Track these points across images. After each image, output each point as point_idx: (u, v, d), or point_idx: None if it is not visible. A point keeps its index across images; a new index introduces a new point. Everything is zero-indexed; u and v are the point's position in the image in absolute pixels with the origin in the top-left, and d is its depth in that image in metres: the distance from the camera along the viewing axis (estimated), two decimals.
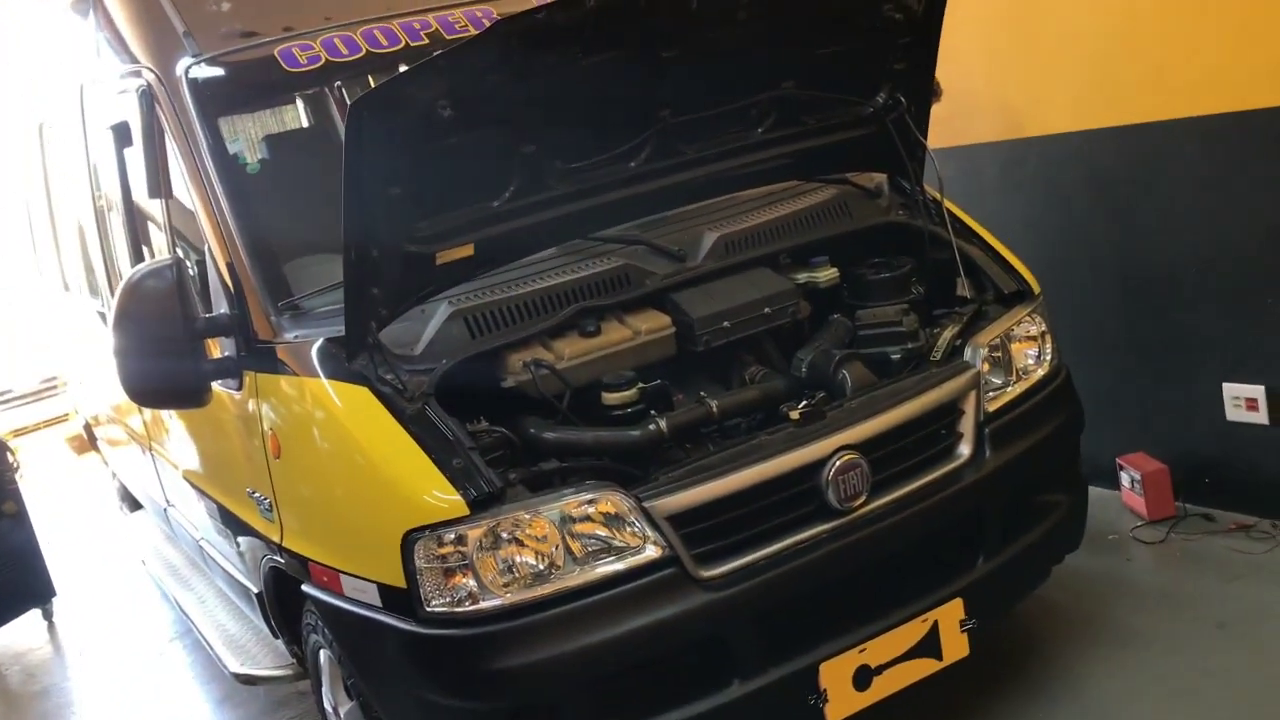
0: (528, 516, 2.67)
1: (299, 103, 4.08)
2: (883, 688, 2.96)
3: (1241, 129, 3.92)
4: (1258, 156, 3.91)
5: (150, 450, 4.77)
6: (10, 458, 5.88)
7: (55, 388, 10.58)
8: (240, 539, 3.68)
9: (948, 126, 3.65)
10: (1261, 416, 4.09)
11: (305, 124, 4.12)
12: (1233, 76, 3.90)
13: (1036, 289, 3.49)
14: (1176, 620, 3.69)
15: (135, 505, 6.25)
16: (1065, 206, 4.61)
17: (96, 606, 6.17)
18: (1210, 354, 4.22)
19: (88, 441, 7.30)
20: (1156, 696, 3.33)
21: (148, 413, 4.61)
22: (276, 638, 3.73)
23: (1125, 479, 4.46)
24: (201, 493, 4.03)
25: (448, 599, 2.66)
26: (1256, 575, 3.86)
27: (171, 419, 4.24)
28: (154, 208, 3.77)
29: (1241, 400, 4.13)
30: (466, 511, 2.62)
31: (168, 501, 4.82)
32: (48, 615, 6.03)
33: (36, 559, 5.88)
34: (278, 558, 3.28)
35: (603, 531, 2.72)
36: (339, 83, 4.47)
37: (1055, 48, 4.47)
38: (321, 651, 3.33)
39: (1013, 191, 4.75)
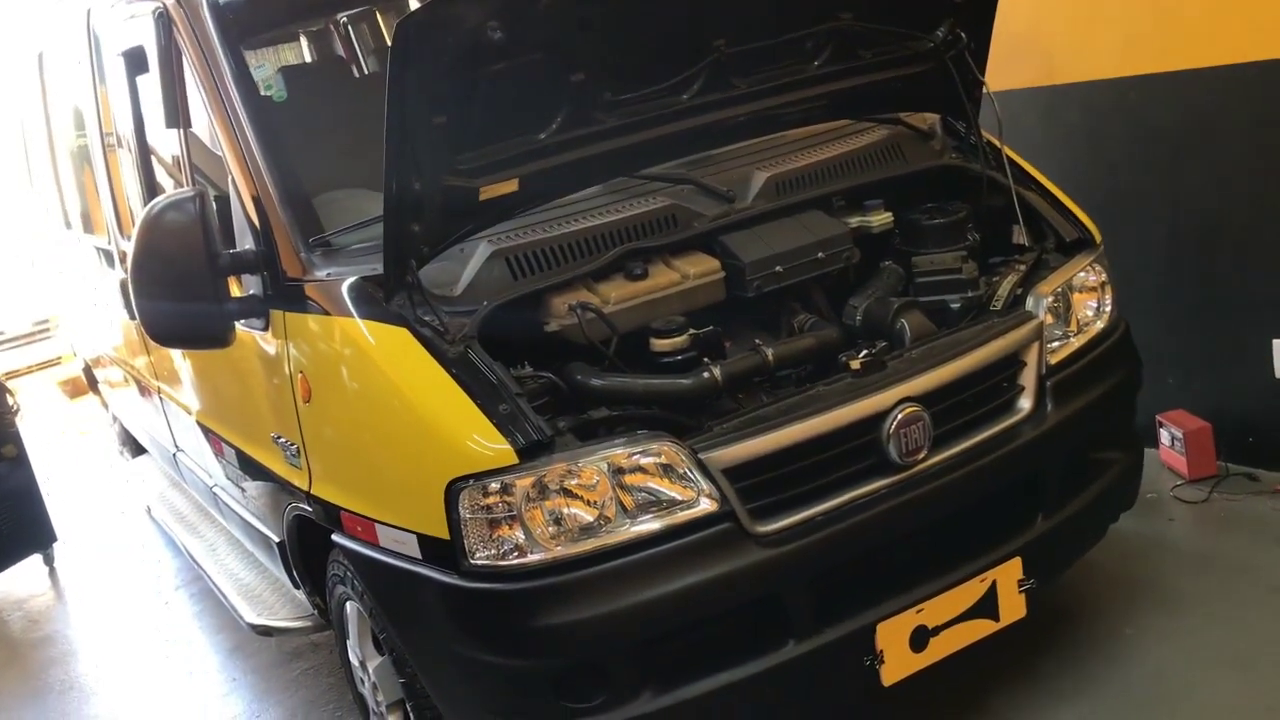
0: (578, 466, 2.54)
1: (328, 28, 3.89)
2: (939, 649, 2.86)
3: None
4: None
5: (158, 393, 4.62)
6: (9, 399, 5.72)
7: (48, 330, 10.40)
8: (261, 486, 3.54)
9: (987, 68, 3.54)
10: None
11: (335, 51, 3.94)
12: None
13: (1098, 237, 3.35)
14: (1226, 583, 3.59)
15: (138, 450, 6.11)
16: (1109, 156, 4.47)
17: (98, 553, 6.04)
18: (1259, 310, 4.09)
19: (87, 384, 7.14)
20: (1211, 662, 3.23)
21: (155, 354, 4.46)
22: (298, 588, 3.60)
23: (1165, 436, 4.36)
24: (217, 437, 3.89)
25: (492, 551, 2.54)
26: None
27: (183, 360, 4.09)
28: (170, 139, 3.59)
29: None
30: (515, 460, 2.49)
31: (177, 446, 4.68)
32: (49, 561, 5.91)
33: (37, 503, 5.74)
34: (304, 506, 3.14)
35: (656, 483, 2.59)
36: (344, 19, 4.32)
37: None
38: (349, 603, 3.21)
39: (1053, 140, 4.59)
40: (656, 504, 2.59)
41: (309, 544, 3.30)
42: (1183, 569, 3.72)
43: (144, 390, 4.92)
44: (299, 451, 3.09)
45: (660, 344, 2.84)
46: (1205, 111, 4.08)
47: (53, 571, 5.89)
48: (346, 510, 2.90)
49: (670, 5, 2.77)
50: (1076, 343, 3.17)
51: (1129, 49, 4.25)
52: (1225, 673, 3.18)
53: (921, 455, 2.81)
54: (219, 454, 3.92)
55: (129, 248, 2.97)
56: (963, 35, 3.28)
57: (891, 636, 2.76)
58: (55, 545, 5.90)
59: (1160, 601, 3.55)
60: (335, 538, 2.98)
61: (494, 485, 2.51)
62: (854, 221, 3.27)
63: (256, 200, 3.08)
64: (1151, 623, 3.44)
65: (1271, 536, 3.81)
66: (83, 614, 5.38)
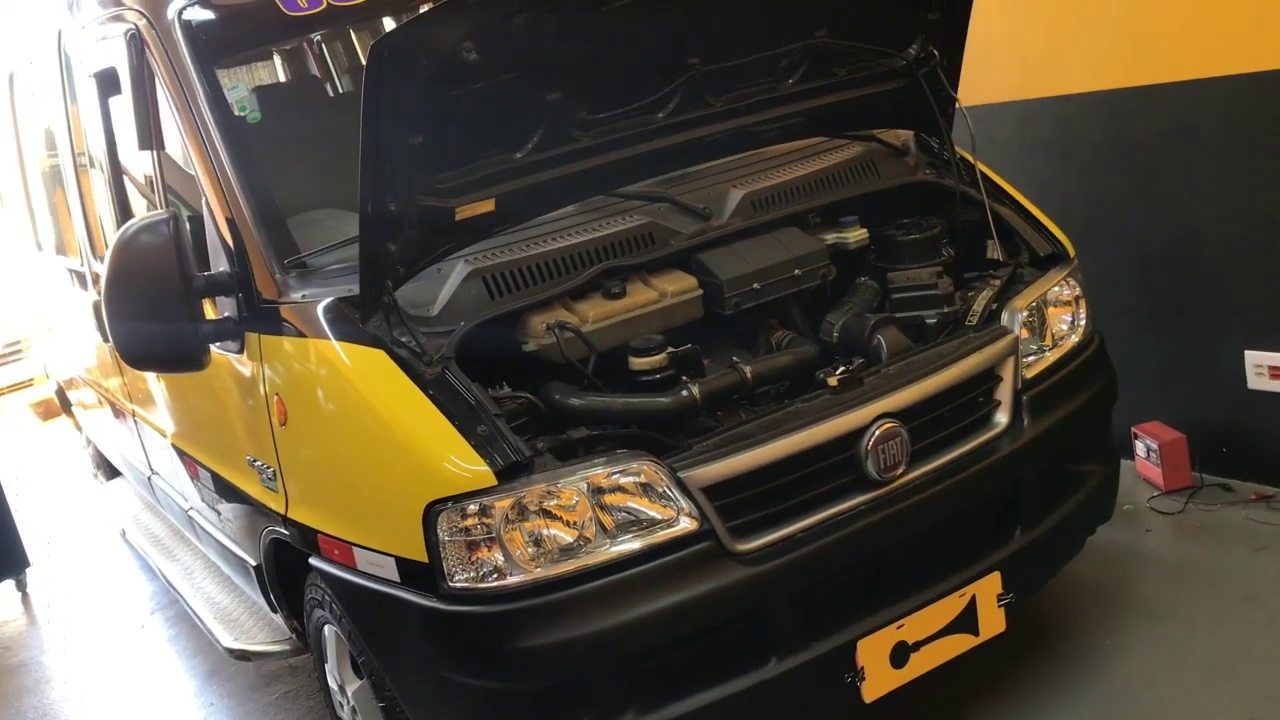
0: (557, 487, 2.53)
1: (302, 48, 3.88)
2: (919, 665, 2.85)
3: (1271, 89, 3.80)
4: None
5: (133, 416, 4.58)
6: None
7: (20, 352, 10.30)
8: (237, 509, 3.51)
9: (960, 84, 3.57)
10: None
11: (308, 71, 3.92)
12: (1262, 35, 3.77)
13: (1072, 251, 3.38)
14: (1204, 593, 3.61)
15: (112, 473, 6.05)
16: (1083, 168, 4.49)
17: (72, 578, 5.98)
18: (1232, 321, 4.13)
19: (60, 407, 7.07)
20: (1190, 671, 3.25)
21: (130, 376, 4.42)
22: (275, 612, 3.57)
23: (1140, 448, 4.38)
24: (192, 460, 3.85)
25: (472, 574, 2.52)
26: None
27: (158, 383, 4.05)
28: (143, 160, 3.56)
29: (1264, 368, 4.05)
30: (493, 481, 2.47)
31: (152, 470, 4.63)
32: (21, 587, 5.84)
33: (9, 528, 5.68)
34: (281, 529, 3.12)
35: (635, 503, 2.58)
36: (317, 37, 4.31)
37: (1076, 2, 4.32)
38: (326, 627, 3.18)
39: (1028, 153, 4.63)
40: (636, 524, 2.58)
41: (286, 567, 3.27)
42: (1160, 579, 3.74)
43: (118, 413, 4.88)
44: (275, 474, 3.07)
45: (639, 362, 2.84)
46: (1177, 125, 4.12)
47: (25, 597, 5.82)
48: (323, 533, 2.87)
49: (645, 24, 2.76)
50: (1052, 357, 3.19)
51: (1101, 63, 4.29)
52: (1205, 682, 3.19)
53: (899, 471, 2.82)
54: (194, 477, 3.89)
55: (102, 270, 2.94)
56: (935, 52, 3.31)
57: (872, 653, 2.76)
58: (28, 570, 5.83)
59: (1138, 612, 3.56)
60: (312, 561, 2.96)
61: (472, 507, 2.49)
62: (830, 238, 3.29)
63: (231, 222, 3.06)
64: (1130, 633, 3.46)
65: (1247, 546, 3.83)
66: (56, 640, 5.31)
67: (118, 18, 3.52)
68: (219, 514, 3.76)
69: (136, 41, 3.37)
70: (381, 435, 2.63)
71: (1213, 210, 4.08)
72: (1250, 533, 3.90)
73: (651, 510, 2.59)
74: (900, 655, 2.81)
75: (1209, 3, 3.89)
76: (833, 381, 2.82)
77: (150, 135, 3.39)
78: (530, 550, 2.52)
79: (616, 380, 2.85)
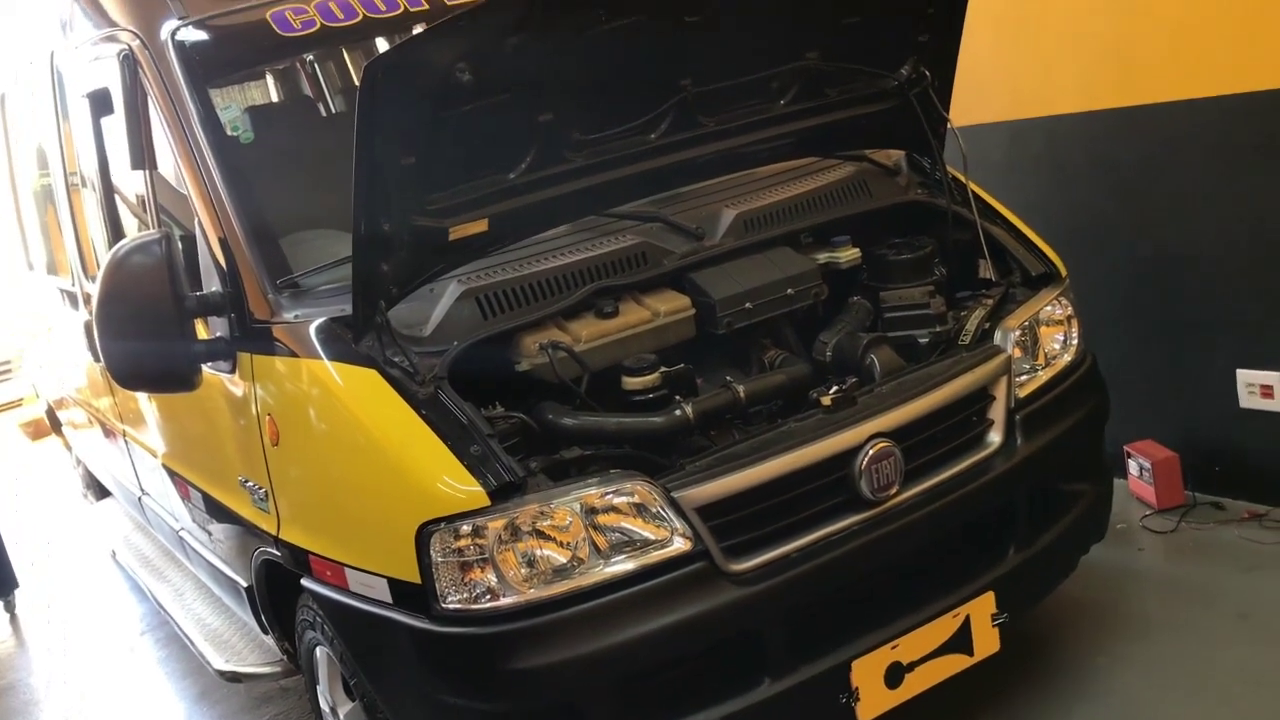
0: (551, 507, 2.52)
1: (295, 69, 3.89)
2: (913, 685, 2.85)
3: (1257, 110, 3.83)
4: (1274, 138, 3.83)
5: (123, 436, 4.56)
6: None
7: (9, 372, 10.27)
8: (229, 529, 3.49)
9: (951, 105, 3.60)
10: (1276, 404, 4.01)
11: (302, 91, 3.93)
12: (1249, 57, 3.80)
13: (1063, 271, 3.39)
14: (1196, 611, 3.61)
15: (102, 493, 6.03)
16: (1072, 188, 4.51)
17: (61, 599, 5.94)
18: (1223, 340, 4.14)
19: (50, 426, 7.05)
20: (1183, 690, 3.25)
21: (120, 396, 4.41)
22: (266, 634, 3.55)
23: (1133, 467, 4.39)
24: (183, 481, 3.84)
25: (464, 595, 2.51)
26: (1274, 565, 3.78)
27: (149, 403, 4.04)
28: (135, 180, 3.56)
29: (1256, 387, 4.06)
30: (486, 502, 2.46)
31: (142, 490, 4.61)
32: (10, 608, 5.80)
33: None
34: (273, 550, 3.11)
35: (629, 523, 2.58)
36: (310, 57, 4.33)
37: (1065, 24, 4.36)
38: (319, 649, 3.16)
39: (1017, 173, 4.64)
40: (630, 544, 2.57)
41: (278, 588, 3.25)
42: (1153, 598, 3.74)
43: (108, 433, 4.86)
44: (267, 495, 3.06)
45: (632, 382, 2.84)
46: (1167, 145, 4.14)
47: (14, 618, 5.78)
48: (315, 554, 2.86)
49: (637, 45, 2.77)
50: (1044, 376, 3.19)
51: (1090, 85, 4.31)
52: (1198, 701, 3.19)
53: (893, 491, 2.81)
54: (185, 497, 3.88)
55: (94, 290, 2.94)
56: (926, 73, 3.32)
57: (867, 673, 2.76)
58: (17, 592, 5.80)
59: (1132, 631, 3.56)
60: (304, 582, 2.95)
61: (465, 528, 2.48)
62: (822, 257, 3.29)
63: (223, 241, 3.06)
64: (1123, 652, 3.45)
65: (1239, 564, 3.83)
66: (46, 662, 5.27)
67: (111, 38, 3.52)
68: (210, 535, 3.75)
69: (130, 62, 3.37)
70: (374, 455, 2.62)
71: (1203, 229, 4.10)
72: (1243, 551, 3.91)
73: (645, 530, 2.58)
74: (895, 676, 2.81)
75: (1196, 25, 3.92)
76: (826, 401, 2.82)
77: (143, 155, 3.38)
78: (523, 571, 2.51)
79: (609, 400, 2.85)
